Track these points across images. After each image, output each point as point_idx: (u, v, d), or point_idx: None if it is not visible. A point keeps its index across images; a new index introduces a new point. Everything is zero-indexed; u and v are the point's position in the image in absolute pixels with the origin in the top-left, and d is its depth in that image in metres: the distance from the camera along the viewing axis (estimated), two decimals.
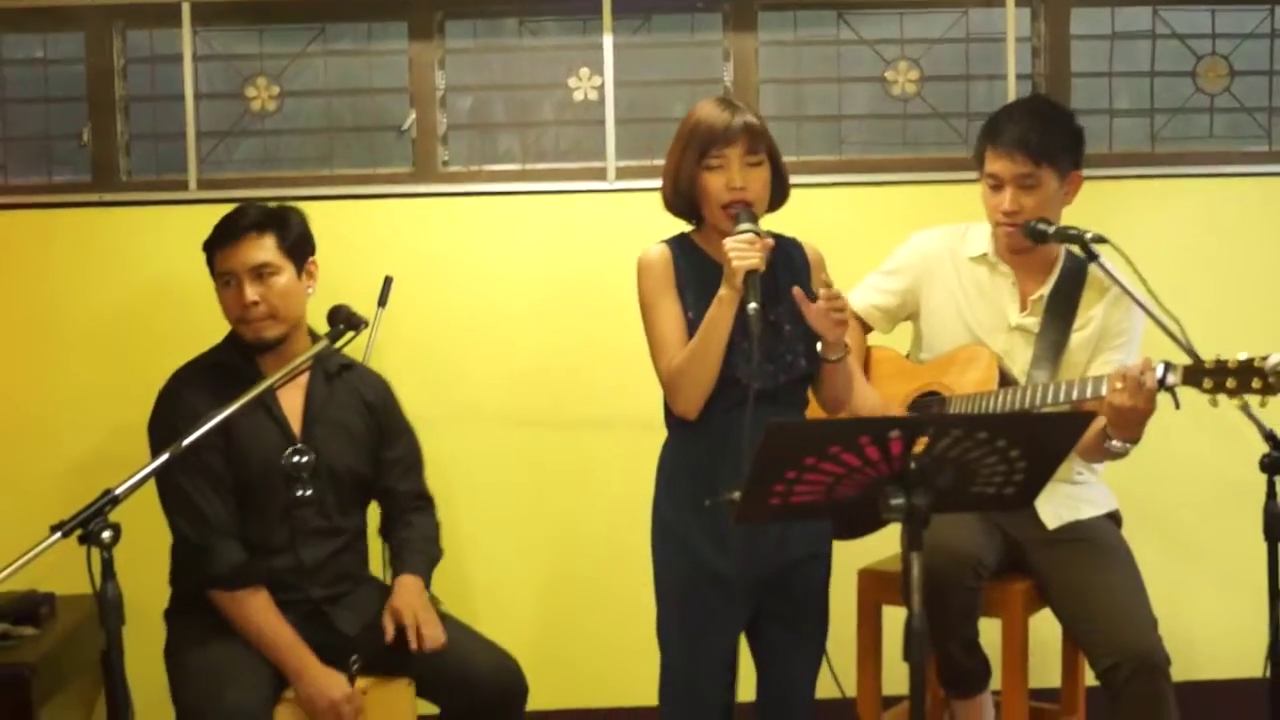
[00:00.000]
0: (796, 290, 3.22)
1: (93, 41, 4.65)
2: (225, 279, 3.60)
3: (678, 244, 3.41)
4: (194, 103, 4.65)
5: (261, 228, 3.62)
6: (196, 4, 4.62)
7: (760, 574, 3.32)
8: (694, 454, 3.33)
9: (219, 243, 3.62)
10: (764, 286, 3.19)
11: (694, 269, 3.37)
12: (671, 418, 3.40)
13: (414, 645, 3.55)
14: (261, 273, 3.60)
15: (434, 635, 3.57)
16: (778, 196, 3.38)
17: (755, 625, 3.40)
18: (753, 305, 3.11)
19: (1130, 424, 3.39)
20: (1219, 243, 4.76)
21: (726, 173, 3.26)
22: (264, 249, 3.62)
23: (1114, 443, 3.46)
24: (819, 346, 3.29)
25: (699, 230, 3.43)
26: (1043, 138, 3.64)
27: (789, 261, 3.42)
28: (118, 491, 2.90)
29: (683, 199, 3.35)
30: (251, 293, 3.57)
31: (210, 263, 3.65)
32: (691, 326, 3.29)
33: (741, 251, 3.15)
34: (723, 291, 3.19)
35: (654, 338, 3.36)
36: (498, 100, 4.84)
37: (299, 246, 3.68)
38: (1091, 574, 3.59)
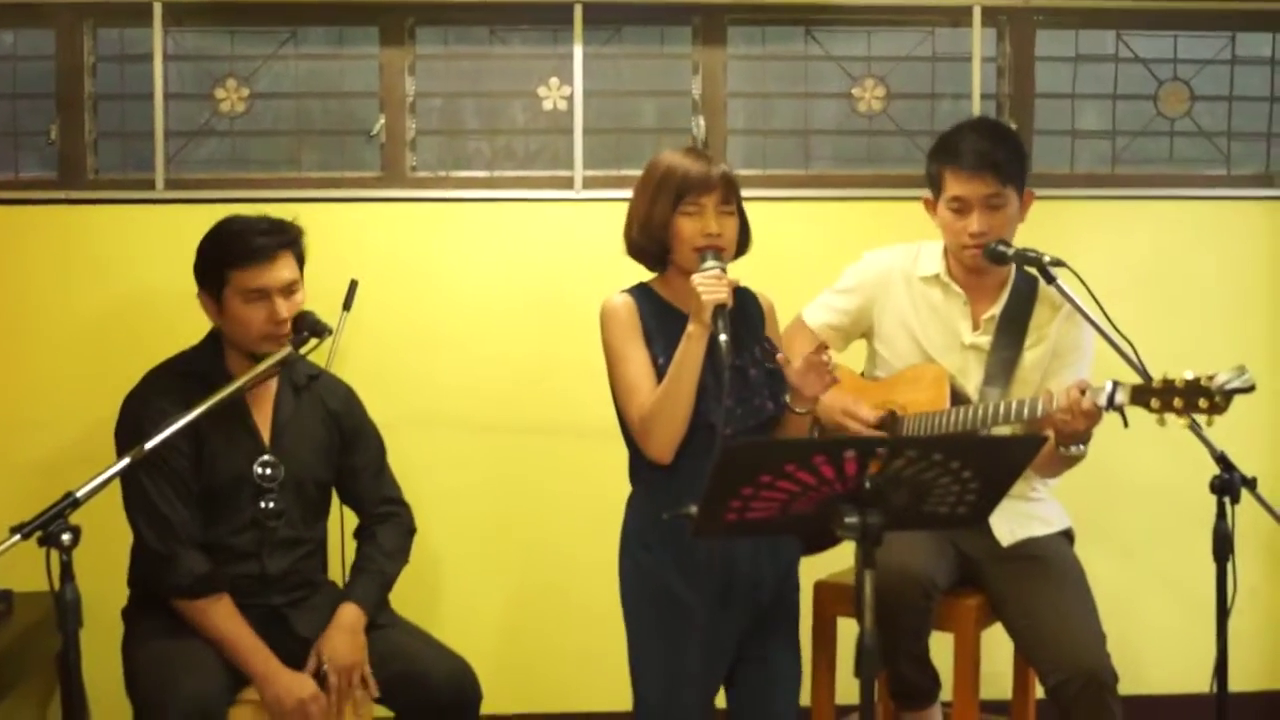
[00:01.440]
0: (781, 356, 3.28)
1: (63, 38, 4.65)
2: (253, 295, 3.54)
3: (639, 293, 3.43)
4: (163, 102, 4.65)
5: (285, 245, 3.61)
6: (168, 3, 4.63)
7: (743, 620, 3.35)
8: (665, 502, 3.28)
9: (246, 260, 3.55)
10: (729, 329, 3.22)
11: (658, 317, 3.39)
12: (640, 470, 3.42)
13: (335, 715, 3.58)
14: (289, 290, 3.60)
15: (368, 689, 3.61)
16: (743, 246, 3.42)
17: (733, 669, 3.42)
18: (723, 338, 3.15)
19: (1076, 435, 3.45)
20: (1177, 265, 4.82)
21: (702, 219, 3.30)
22: (290, 267, 3.62)
23: (1069, 448, 3.51)
24: (788, 397, 3.33)
25: (658, 279, 3.46)
26: (1006, 157, 3.67)
27: (744, 310, 3.45)
28: (79, 494, 2.90)
29: (653, 242, 3.36)
30: (284, 310, 3.56)
31: (220, 279, 3.57)
32: (660, 372, 3.30)
33: (710, 286, 3.19)
34: (691, 328, 3.22)
35: (623, 384, 3.36)
36: (467, 107, 4.85)
37: (303, 260, 3.69)
38: (1043, 591, 3.63)
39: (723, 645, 3.35)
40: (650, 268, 3.45)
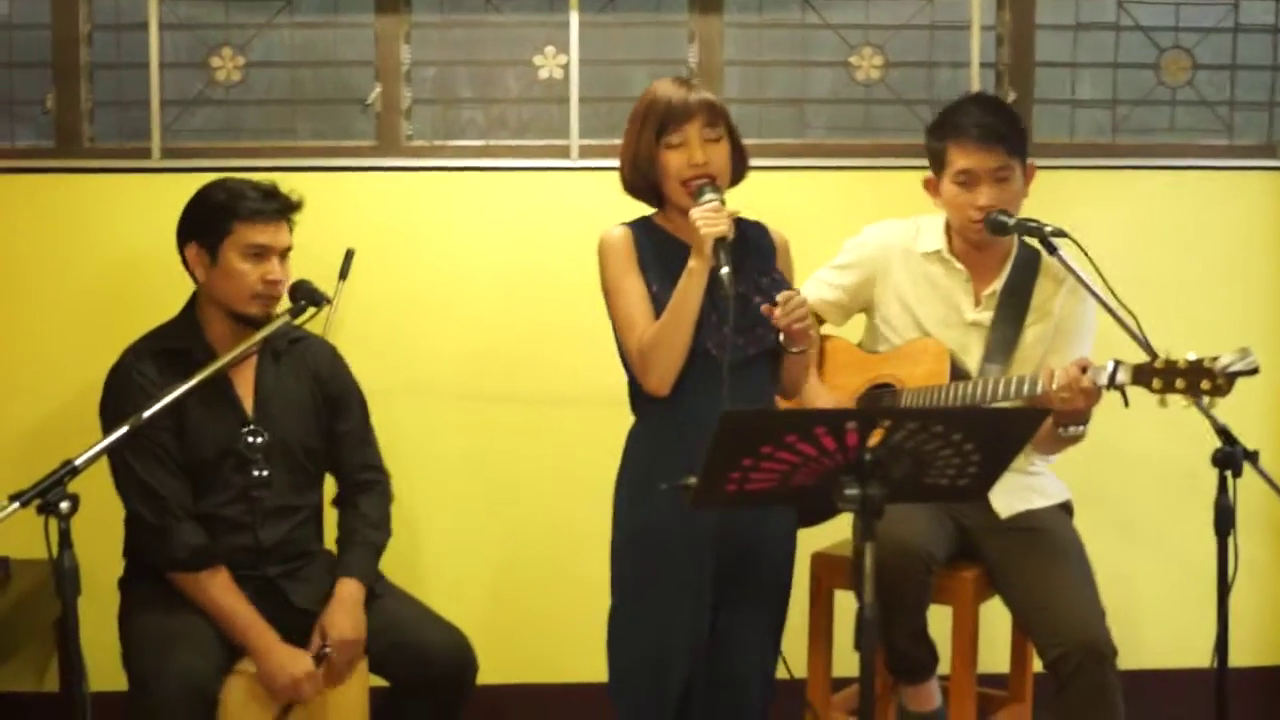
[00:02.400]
0: (765, 307, 3.24)
1: (58, 7, 4.61)
2: (254, 251, 3.56)
3: (639, 225, 3.43)
4: (159, 71, 4.62)
5: (289, 212, 3.65)
6: None
7: (727, 564, 3.34)
8: (664, 435, 3.34)
9: (253, 215, 3.57)
10: (734, 261, 3.22)
11: (656, 248, 3.38)
12: (642, 401, 3.41)
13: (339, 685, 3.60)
14: (285, 255, 3.63)
15: (338, 678, 3.61)
16: (738, 171, 3.41)
17: (717, 612, 3.40)
18: (725, 270, 3.15)
19: (1075, 416, 3.44)
20: (1178, 235, 4.80)
21: (687, 150, 3.29)
22: (288, 233, 3.65)
23: (1068, 429, 3.49)
24: (782, 339, 3.31)
25: (660, 212, 3.45)
26: (1010, 130, 3.66)
27: (755, 244, 3.44)
28: (77, 463, 2.89)
29: (642, 178, 3.36)
30: (279, 272, 3.58)
31: (222, 229, 3.57)
32: (657, 302, 3.30)
33: (709, 220, 3.19)
34: (692, 263, 3.22)
35: (620, 316, 3.37)
36: (462, 76, 4.83)
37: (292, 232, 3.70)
38: (1041, 564, 3.63)
39: (703, 595, 3.33)
40: (650, 204, 3.45)
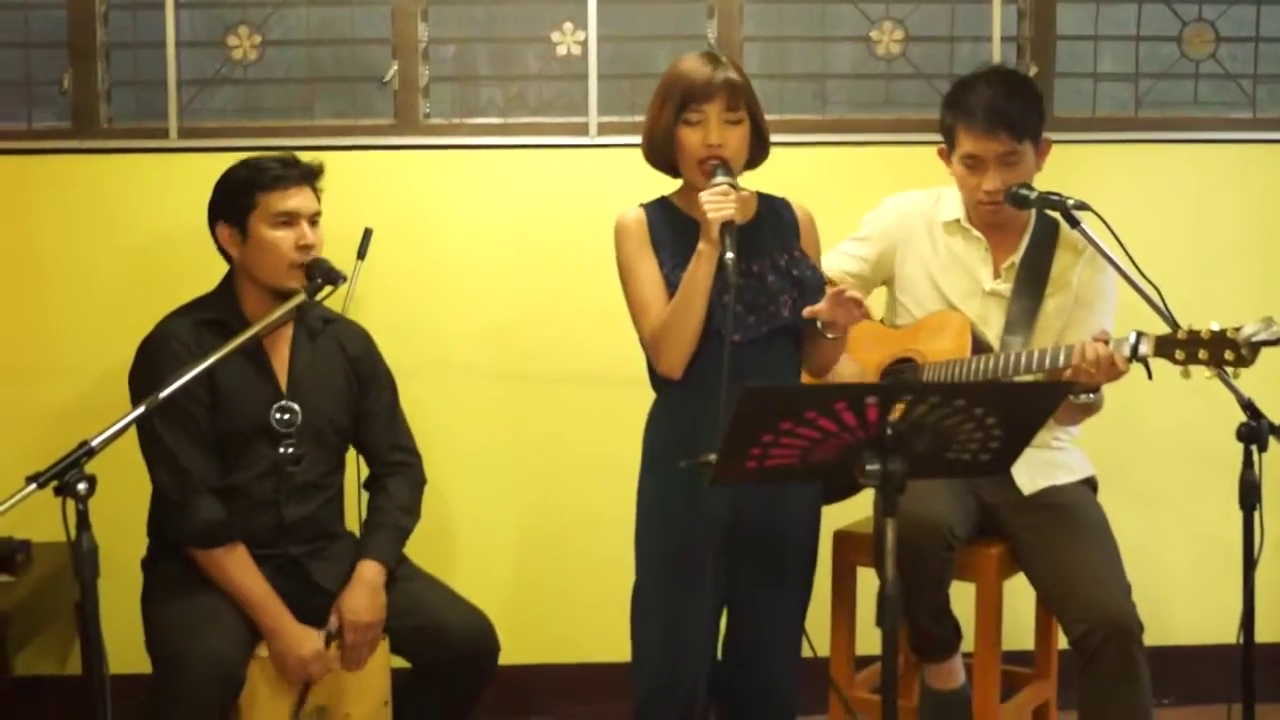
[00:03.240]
0: (807, 310, 3.26)
1: None
2: (283, 219, 3.57)
3: (654, 206, 3.43)
4: (175, 50, 4.60)
5: (310, 177, 3.66)
6: None
7: (746, 542, 3.35)
8: (681, 414, 3.34)
9: (277, 182, 3.59)
10: (750, 239, 3.25)
11: (670, 228, 3.38)
12: (657, 380, 3.41)
13: (353, 668, 3.60)
14: (314, 220, 3.64)
15: (354, 661, 3.61)
16: (757, 154, 3.39)
17: (735, 581, 3.41)
18: (729, 256, 3.14)
19: (1088, 385, 3.42)
20: (1201, 209, 4.76)
21: (704, 129, 3.27)
22: (313, 198, 3.66)
23: (1079, 396, 3.47)
24: (819, 324, 3.29)
25: (677, 191, 3.44)
26: (1020, 112, 3.63)
27: (776, 218, 3.43)
28: (94, 443, 2.88)
29: (659, 153, 3.36)
30: (312, 236, 3.60)
31: (247, 203, 3.59)
32: (669, 284, 3.30)
33: (716, 204, 3.18)
34: (701, 246, 3.21)
35: (634, 300, 3.37)
36: (480, 53, 4.81)
37: (319, 199, 3.71)
38: (1066, 540, 3.61)
39: (720, 572, 3.34)
40: (671, 175, 3.44)
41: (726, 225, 3.16)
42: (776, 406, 2.60)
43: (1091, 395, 3.49)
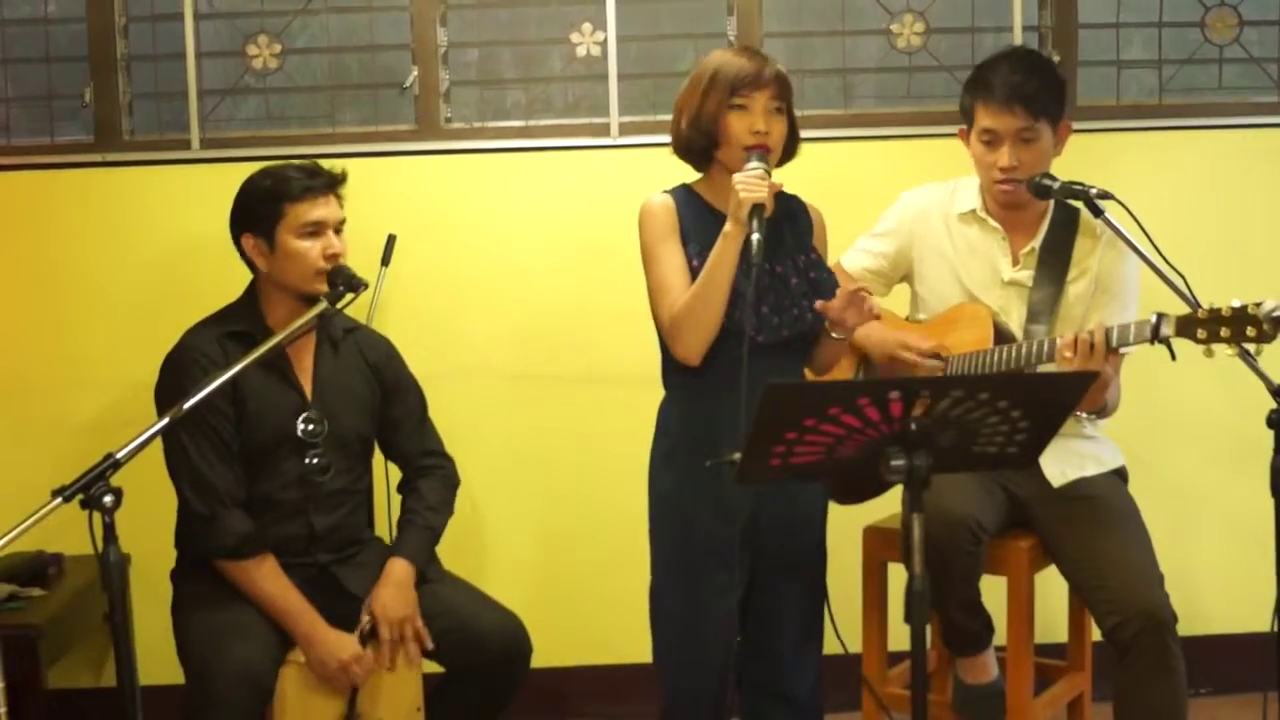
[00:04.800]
0: (820, 304, 3.28)
1: (94, 0, 4.61)
2: (310, 229, 3.57)
3: (680, 194, 3.43)
4: (195, 61, 4.62)
5: (334, 185, 3.66)
6: None
7: (760, 538, 3.35)
8: (696, 410, 3.35)
9: (304, 192, 3.59)
10: (771, 240, 3.24)
11: (697, 218, 3.39)
12: (671, 374, 3.42)
13: (388, 667, 3.59)
14: (339, 228, 3.63)
15: (422, 642, 3.61)
16: (789, 150, 3.41)
17: (751, 577, 3.42)
18: (756, 236, 3.14)
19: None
20: (1227, 195, 4.72)
21: (751, 115, 3.29)
22: (338, 206, 3.66)
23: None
24: (826, 324, 3.31)
25: (702, 180, 3.45)
26: (1039, 90, 3.61)
27: (793, 219, 3.45)
28: (119, 455, 2.88)
29: (702, 137, 3.35)
30: (339, 245, 3.60)
31: (274, 214, 3.58)
32: (695, 274, 3.30)
33: (751, 185, 3.19)
34: (728, 228, 3.22)
35: (656, 282, 3.37)
36: (500, 56, 4.80)
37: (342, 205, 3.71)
38: (1097, 532, 3.58)
39: (735, 568, 3.34)
40: (697, 167, 3.44)
41: (757, 207, 3.17)
42: (800, 403, 2.59)
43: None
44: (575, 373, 4.64)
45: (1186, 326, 3.22)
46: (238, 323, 3.65)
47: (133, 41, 4.68)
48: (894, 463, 2.60)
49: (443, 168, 4.63)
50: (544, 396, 4.66)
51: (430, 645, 3.61)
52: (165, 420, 3.06)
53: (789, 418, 2.58)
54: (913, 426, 2.58)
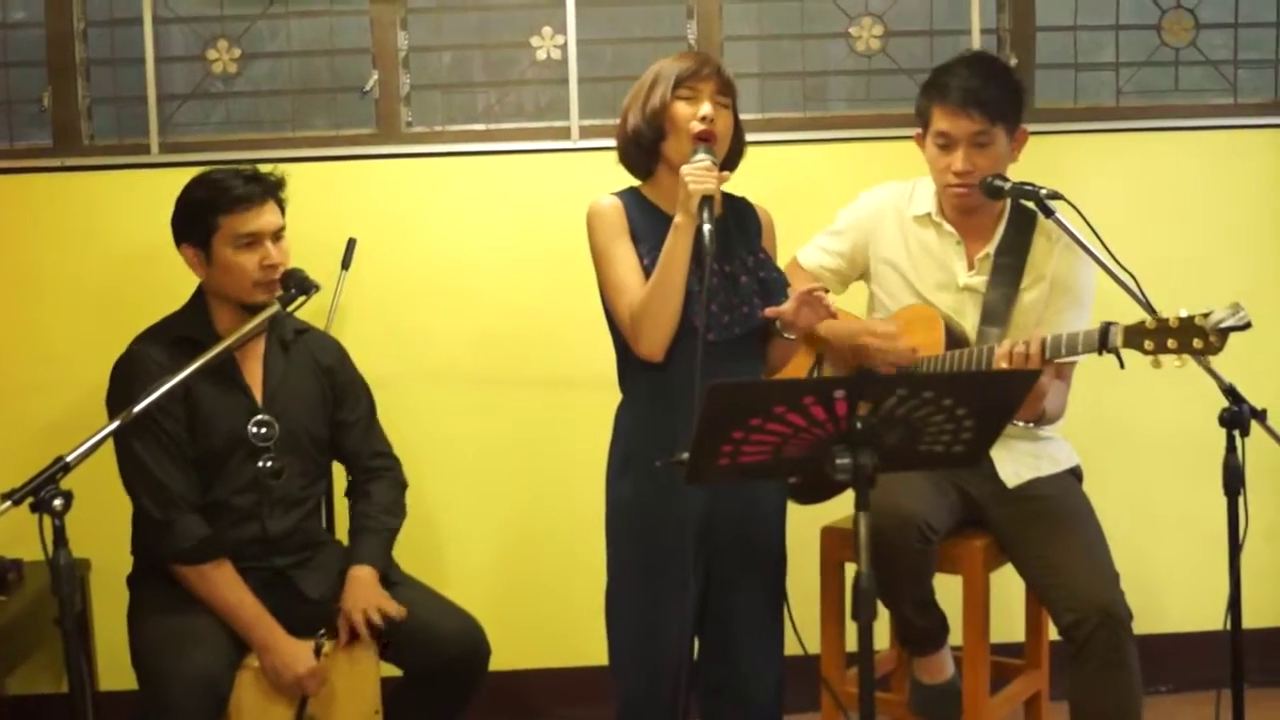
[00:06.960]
0: (770, 310, 3.31)
1: (52, 4, 4.59)
2: (245, 241, 3.55)
3: (628, 196, 3.46)
4: (155, 66, 4.61)
5: (270, 192, 3.62)
6: None
7: (716, 539, 3.36)
8: (653, 411, 3.36)
9: (236, 205, 3.56)
10: (720, 241, 3.27)
11: (646, 219, 3.41)
12: (628, 376, 3.44)
13: (378, 625, 3.57)
14: (278, 236, 3.61)
15: (394, 610, 3.59)
16: (734, 154, 3.42)
17: (708, 579, 3.43)
18: (707, 227, 3.17)
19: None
20: (1184, 197, 4.75)
21: (697, 104, 3.32)
22: (276, 213, 3.63)
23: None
24: (778, 324, 3.33)
25: (648, 184, 3.47)
26: (995, 95, 3.62)
27: (741, 218, 3.47)
28: (69, 459, 2.89)
29: (650, 128, 3.36)
30: (275, 255, 3.57)
31: (208, 226, 3.56)
32: (647, 273, 3.32)
33: (699, 177, 3.22)
34: (678, 219, 3.24)
35: (612, 282, 3.38)
36: (460, 60, 4.81)
37: (284, 210, 3.68)
38: (1051, 531, 3.60)
39: (692, 571, 3.35)
40: (644, 171, 3.47)
41: (706, 199, 3.19)
42: (745, 402, 2.60)
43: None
44: (538, 376, 4.65)
45: (1133, 337, 3.23)
46: (185, 329, 3.64)
47: (92, 46, 4.67)
48: (840, 461, 2.61)
49: (403, 171, 4.64)
50: (506, 399, 4.66)
51: (402, 610, 3.59)
52: (116, 423, 3.06)
53: (735, 417, 2.59)
54: (858, 425, 2.59)
